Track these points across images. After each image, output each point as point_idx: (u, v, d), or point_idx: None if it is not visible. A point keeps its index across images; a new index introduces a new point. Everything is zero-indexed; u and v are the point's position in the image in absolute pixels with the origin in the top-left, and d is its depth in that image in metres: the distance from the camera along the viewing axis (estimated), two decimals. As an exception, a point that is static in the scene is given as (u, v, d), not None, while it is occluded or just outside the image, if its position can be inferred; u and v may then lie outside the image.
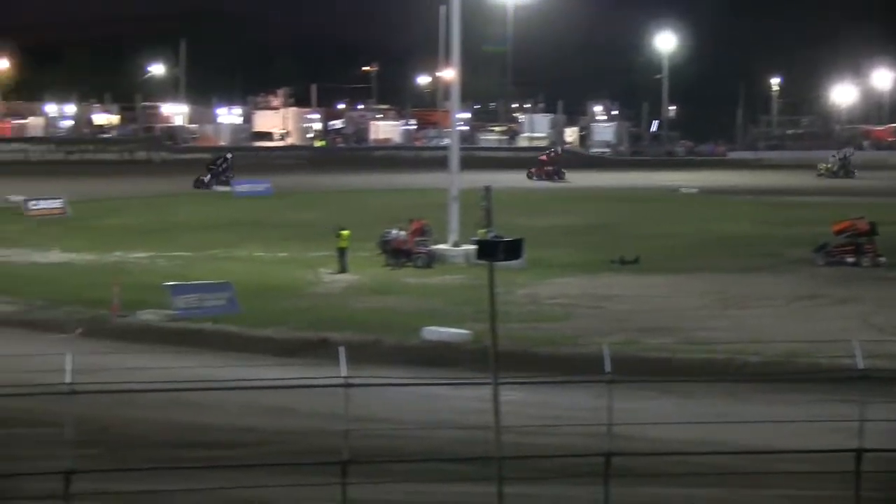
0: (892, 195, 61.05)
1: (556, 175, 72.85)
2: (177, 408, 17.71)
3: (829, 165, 75.67)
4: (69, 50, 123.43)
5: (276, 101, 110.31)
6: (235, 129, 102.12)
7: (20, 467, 14.27)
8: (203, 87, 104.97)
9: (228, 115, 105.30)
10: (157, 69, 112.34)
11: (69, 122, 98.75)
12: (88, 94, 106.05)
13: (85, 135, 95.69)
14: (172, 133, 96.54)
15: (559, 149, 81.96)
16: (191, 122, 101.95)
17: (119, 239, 41.42)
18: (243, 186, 60.75)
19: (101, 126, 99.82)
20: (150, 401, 17.60)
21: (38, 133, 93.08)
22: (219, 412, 17.53)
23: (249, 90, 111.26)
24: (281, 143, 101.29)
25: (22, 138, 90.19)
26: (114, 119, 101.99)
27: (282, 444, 16.56)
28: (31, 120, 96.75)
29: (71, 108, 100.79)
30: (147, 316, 26.27)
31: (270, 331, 25.00)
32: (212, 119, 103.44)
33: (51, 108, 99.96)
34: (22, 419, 16.95)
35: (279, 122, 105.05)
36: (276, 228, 44.65)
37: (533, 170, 74.05)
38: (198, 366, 20.60)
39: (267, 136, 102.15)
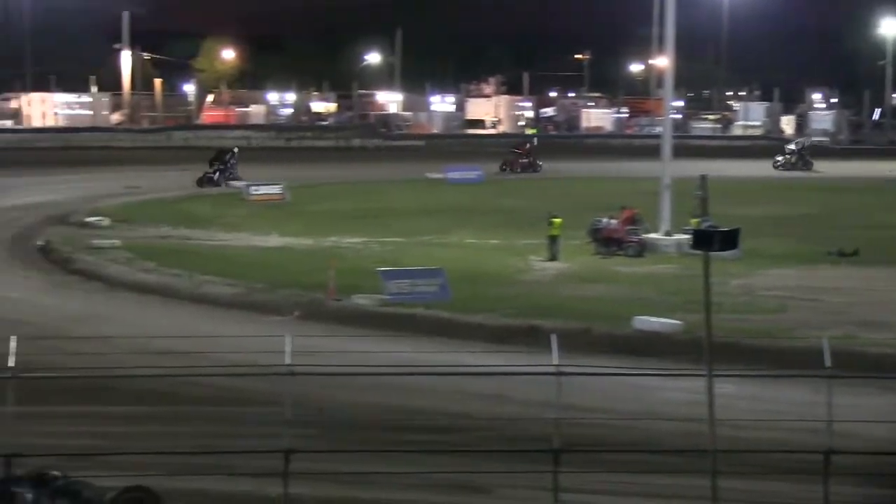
0: None
1: (532, 167, 66.17)
2: (390, 391, 18.01)
3: (788, 157, 70.67)
4: (289, 40, 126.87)
5: (488, 89, 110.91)
6: (448, 116, 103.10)
7: (243, 444, 14.74)
8: (417, 75, 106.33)
9: (441, 103, 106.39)
10: (373, 57, 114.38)
11: (289, 110, 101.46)
12: (308, 82, 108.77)
13: (303, 122, 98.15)
14: (386, 121, 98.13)
15: (535, 140, 74.70)
16: (404, 109, 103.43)
17: (334, 224, 42.29)
18: (455, 173, 61.15)
19: (318, 114, 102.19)
20: (365, 383, 18.00)
21: (260, 120, 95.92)
22: (431, 397, 17.75)
23: (462, 78, 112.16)
24: (492, 131, 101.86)
25: (245, 125, 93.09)
26: (331, 107, 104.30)
27: (493, 430, 16.66)
28: (253, 108, 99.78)
29: (291, 97, 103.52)
30: (361, 300, 26.77)
31: (481, 317, 25.14)
32: (425, 107, 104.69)
33: (272, 97, 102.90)
34: (244, 398, 17.55)
35: (491, 109, 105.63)
36: (487, 215, 44.83)
37: (508, 162, 66.87)
38: (410, 350, 20.86)
39: (479, 123, 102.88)
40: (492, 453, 15.04)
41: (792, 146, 72.49)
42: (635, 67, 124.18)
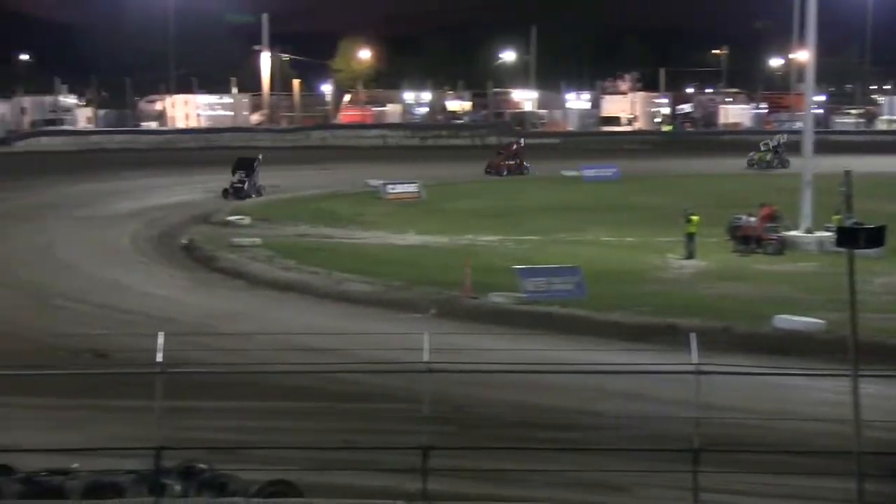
0: None
1: (519, 169, 62.86)
2: (526, 389, 18.03)
3: (762, 154, 66.97)
4: (425, 39, 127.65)
5: (624, 86, 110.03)
6: (583, 114, 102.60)
7: (382, 440, 14.92)
8: (552, 72, 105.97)
9: (576, 101, 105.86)
10: (508, 55, 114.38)
11: (424, 109, 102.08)
12: (443, 81, 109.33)
13: (438, 121, 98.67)
14: (522, 119, 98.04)
15: (522, 141, 70.82)
16: (539, 107, 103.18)
17: (470, 222, 42.47)
18: (591, 171, 60.84)
19: (454, 112, 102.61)
20: (501, 381, 18.06)
21: (396, 120, 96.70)
22: (567, 395, 17.73)
23: (597, 75, 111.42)
24: (628, 128, 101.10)
25: (381, 125, 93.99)
26: (466, 105, 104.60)
27: (630, 428, 16.58)
28: (389, 107, 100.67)
29: (426, 96, 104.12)
30: (497, 298, 26.85)
31: (617, 315, 25.04)
32: (560, 104, 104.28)
33: (408, 96, 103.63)
34: (383, 395, 17.76)
35: (627, 106, 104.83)
36: (623, 213, 44.54)
37: (494, 164, 63.36)
38: (546, 348, 20.82)
39: (614, 120, 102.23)
40: (630, 452, 14.94)
41: (766, 142, 69.76)
42: (775, 62, 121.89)
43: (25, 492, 12.44)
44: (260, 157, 52.82)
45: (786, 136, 68.57)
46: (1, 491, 12.46)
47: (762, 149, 68.18)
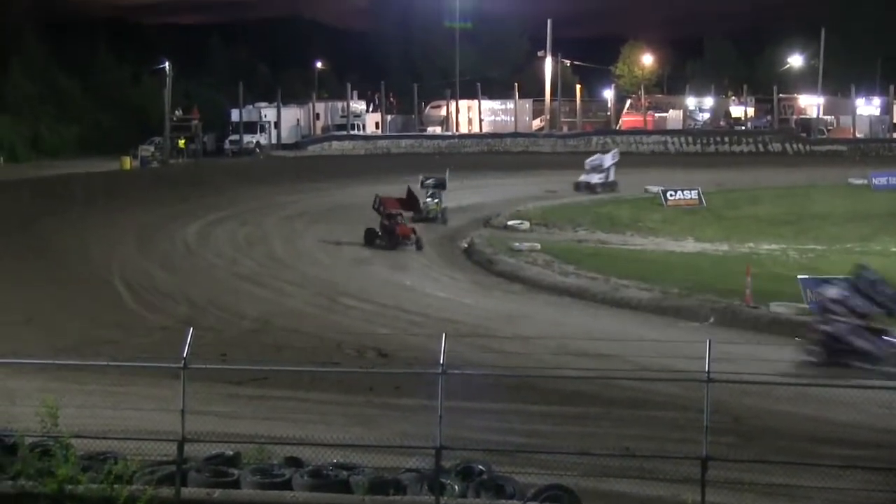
0: None
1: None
2: (807, 402, 17.52)
3: None
4: (710, 43, 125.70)
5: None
6: (874, 120, 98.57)
7: (659, 449, 14.80)
8: (842, 77, 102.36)
9: (866, 106, 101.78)
10: (795, 60, 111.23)
11: (706, 115, 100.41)
12: (727, 86, 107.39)
13: (720, 127, 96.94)
14: (808, 125, 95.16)
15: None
16: (826, 113, 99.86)
17: (751, 229, 41.64)
18: (882, 179, 58.50)
19: (737, 118, 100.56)
20: (782, 393, 17.61)
21: (677, 125, 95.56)
22: (853, 410, 17.09)
23: (890, 80, 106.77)
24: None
25: (661, 131, 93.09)
26: (750, 111, 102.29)
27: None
28: (671, 113, 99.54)
29: (709, 101, 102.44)
30: (779, 308, 26.18)
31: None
32: (848, 110, 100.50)
33: (690, 101, 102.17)
34: (660, 402, 17.62)
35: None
36: (917, 223, 42.64)
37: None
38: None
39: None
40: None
41: None
42: None
43: (314, 484, 13.00)
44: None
45: None
46: (291, 482, 13.08)
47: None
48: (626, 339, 22.46)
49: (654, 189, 53.73)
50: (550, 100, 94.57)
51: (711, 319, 26.09)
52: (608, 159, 57.99)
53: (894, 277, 29.82)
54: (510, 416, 16.98)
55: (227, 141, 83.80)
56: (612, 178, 56.97)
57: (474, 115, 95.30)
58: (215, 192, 53.83)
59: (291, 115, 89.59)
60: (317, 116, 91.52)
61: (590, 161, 58.48)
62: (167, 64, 79.55)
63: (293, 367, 19.89)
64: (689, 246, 38.45)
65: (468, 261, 36.11)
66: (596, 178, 56.47)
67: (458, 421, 14.40)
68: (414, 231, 38.52)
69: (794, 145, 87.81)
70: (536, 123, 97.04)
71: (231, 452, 13.84)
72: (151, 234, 40.53)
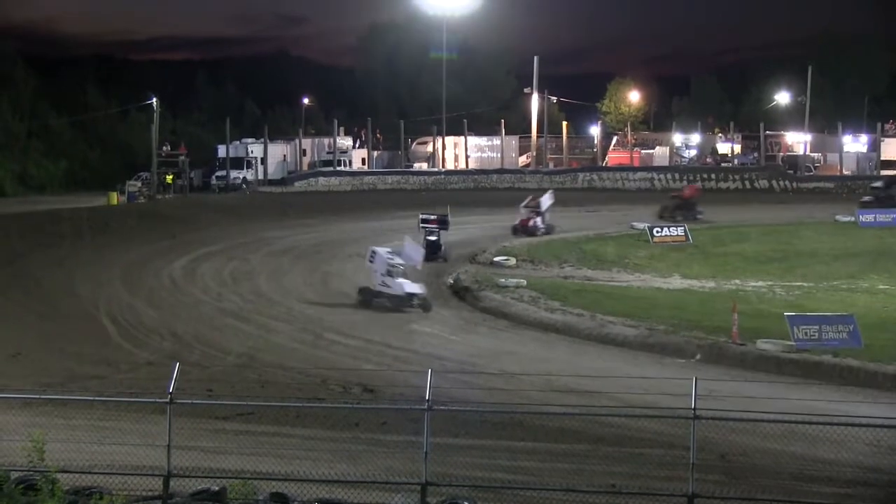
0: None
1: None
2: (794, 440, 17.48)
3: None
4: (696, 80, 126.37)
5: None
6: (861, 157, 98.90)
7: (646, 486, 14.78)
8: (828, 114, 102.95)
9: (853, 143, 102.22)
10: (782, 97, 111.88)
11: (693, 152, 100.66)
12: (713, 123, 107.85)
13: (707, 164, 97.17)
14: (794, 162, 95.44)
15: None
16: (813, 150, 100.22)
17: (738, 266, 41.69)
18: (868, 216, 58.68)
19: (724, 155, 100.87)
20: (768, 431, 17.58)
21: (663, 162, 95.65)
22: (840, 448, 17.08)
23: (876, 117, 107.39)
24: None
25: (648, 167, 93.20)
26: (736, 148, 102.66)
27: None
28: (657, 150, 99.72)
29: (695, 138, 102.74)
30: (765, 345, 26.20)
31: (895, 367, 24.00)
32: (835, 147, 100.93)
33: (676, 138, 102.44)
34: (646, 440, 17.59)
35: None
36: (902, 260, 42.74)
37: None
38: (815, 399, 20.22)
39: (894, 164, 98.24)
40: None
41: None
42: None
43: (299, 520, 12.97)
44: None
45: None
46: None
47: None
48: (613, 375, 22.46)
49: (641, 226, 53.81)
50: (537, 136, 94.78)
51: (698, 356, 26.10)
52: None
53: (882, 315, 30.00)
54: (496, 453, 16.93)
55: (213, 176, 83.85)
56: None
57: (461, 151, 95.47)
58: (202, 228, 53.86)
59: (278, 151, 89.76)
60: (303, 152, 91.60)
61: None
62: (155, 100, 79.67)
63: (279, 403, 19.85)
64: (676, 283, 38.47)
65: (454, 297, 36.08)
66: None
67: (444, 457, 14.37)
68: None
69: (781, 182, 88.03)
70: (523, 160, 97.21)
71: (217, 488, 13.80)
72: (138, 269, 40.50)
